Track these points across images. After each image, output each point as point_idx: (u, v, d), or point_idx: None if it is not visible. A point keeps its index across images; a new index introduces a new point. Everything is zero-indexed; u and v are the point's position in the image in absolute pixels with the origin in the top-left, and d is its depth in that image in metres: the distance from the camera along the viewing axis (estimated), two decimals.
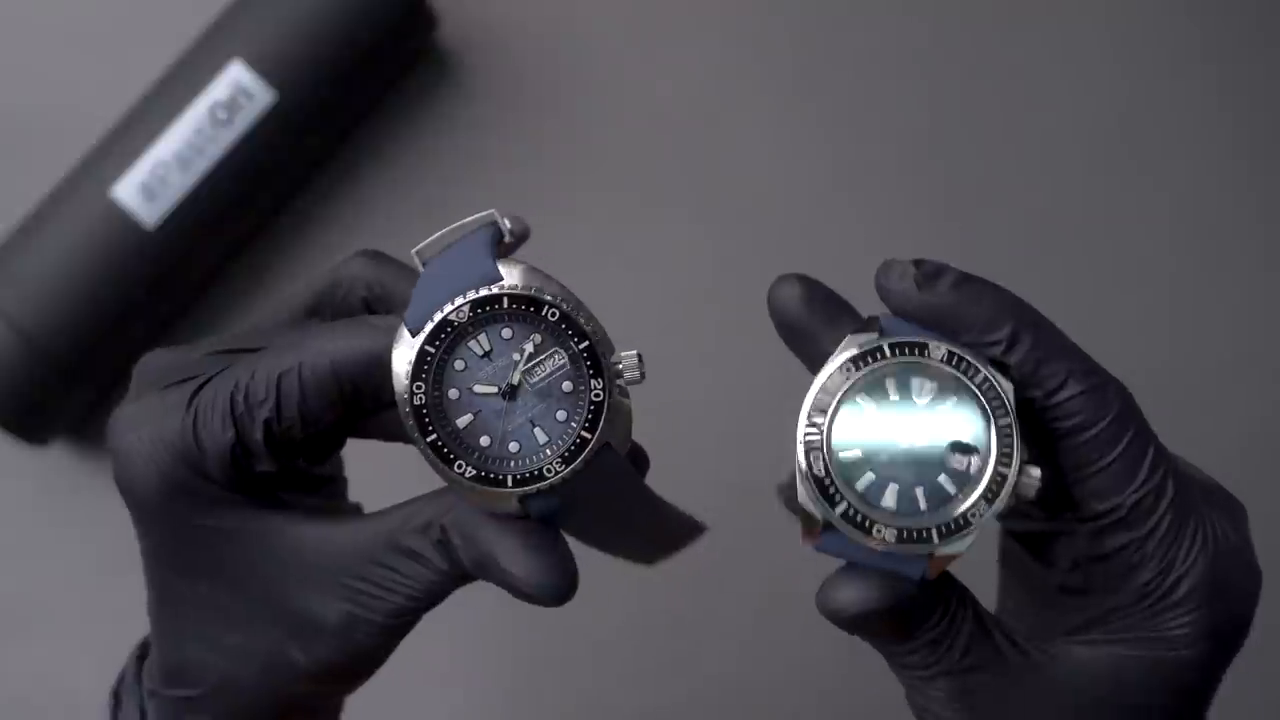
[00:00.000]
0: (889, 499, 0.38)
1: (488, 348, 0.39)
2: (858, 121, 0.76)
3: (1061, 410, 0.39)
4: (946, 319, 0.39)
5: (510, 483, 0.38)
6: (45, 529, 0.73)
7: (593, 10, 0.77)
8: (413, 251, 0.40)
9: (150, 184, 0.69)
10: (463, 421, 0.39)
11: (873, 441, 0.39)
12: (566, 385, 0.39)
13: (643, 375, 0.39)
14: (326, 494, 0.47)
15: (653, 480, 0.41)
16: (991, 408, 0.38)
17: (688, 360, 0.71)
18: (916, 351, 0.38)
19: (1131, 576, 0.40)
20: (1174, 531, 0.39)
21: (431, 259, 0.40)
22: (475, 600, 0.70)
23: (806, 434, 0.38)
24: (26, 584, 0.72)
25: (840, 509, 0.38)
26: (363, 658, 0.41)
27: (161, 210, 0.69)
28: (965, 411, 0.39)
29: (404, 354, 0.38)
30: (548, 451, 0.39)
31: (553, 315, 0.38)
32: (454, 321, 0.38)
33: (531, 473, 0.38)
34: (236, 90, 0.69)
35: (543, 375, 0.39)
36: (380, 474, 0.49)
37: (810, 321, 0.40)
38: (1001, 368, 0.39)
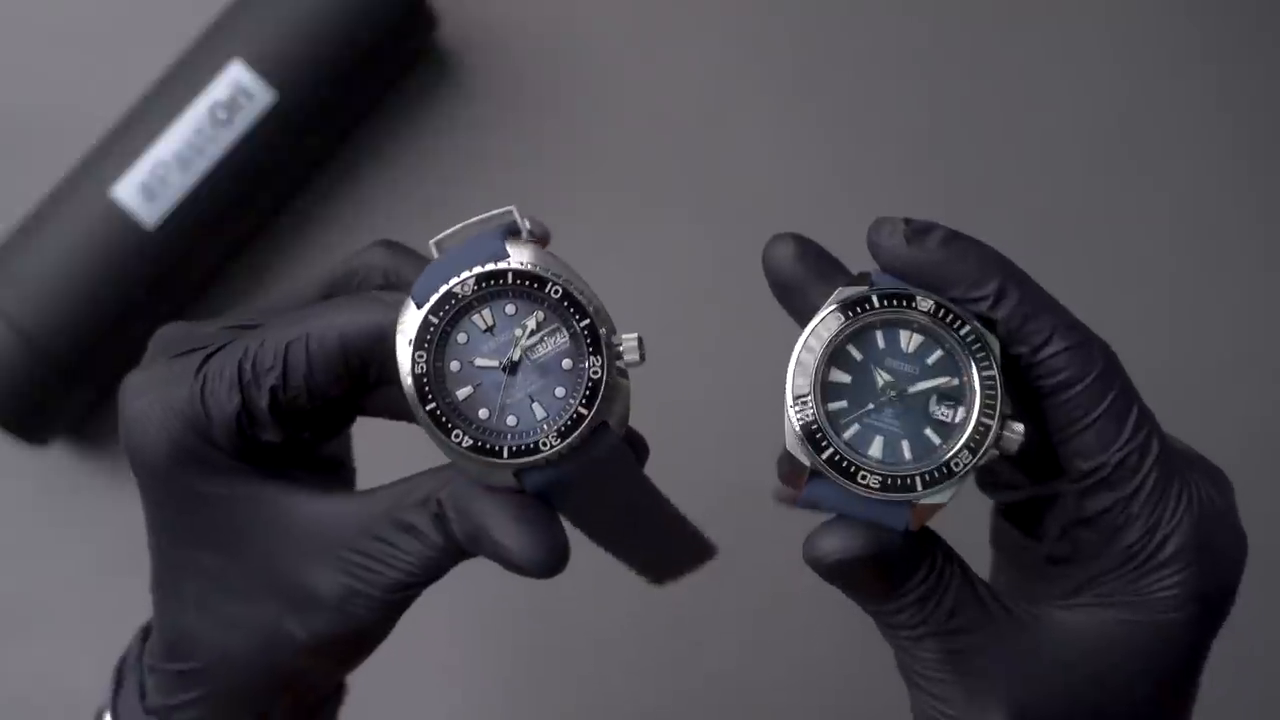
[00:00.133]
0: (875, 449, 0.39)
1: (491, 322, 0.39)
2: (858, 121, 0.76)
3: (1046, 367, 0.39)
4: (935, 274, 0.39)
5: (506, 454, 0.39)
6: (45, 529, 0.73)
7: (593, 10, 0.77)
8: (431, 242, 0.40)
9: (150, 184, 0.69)
10: (462, 393, 0.39)
11: (860, 391, 0.39)
12: (566, 362, 0.39)
13: (643, 357, 0.39)
14: (334, 480, 0.47)
15: (653, 479, 0.41)
16: (976, 359, 0.39)
17: (688, 360, 0.71)
18: (904, 303, 0.39)
19: (1117, 538, 0.40)
20: (1159, 491, 0.40)
21: (447, 248, 0.40)
22: (475, 600, 0.71)
23: (795, 382, 0.39)
24: (26, 584, 0.72)
25: (827, 454, 0.38)
26: (360, 633, 0.42)
27: (161, 210, 0.69)
28: (951, 363, 0.39)
29: (408, 325, 0.39)
30: (545, 426, 0.39)
31: (556, 293, 0.39)
32: (458, 294, 0.39)
33: (527, 445, 0.39)
34: (236, 90, 0.69)
35: (544, 352, 0.39)
36: (387, 463, 0.49)
37: (803, 278, 0.40)
38: (988, 323, 0.39)
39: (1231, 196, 0.76)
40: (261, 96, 0.69)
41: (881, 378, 0.39)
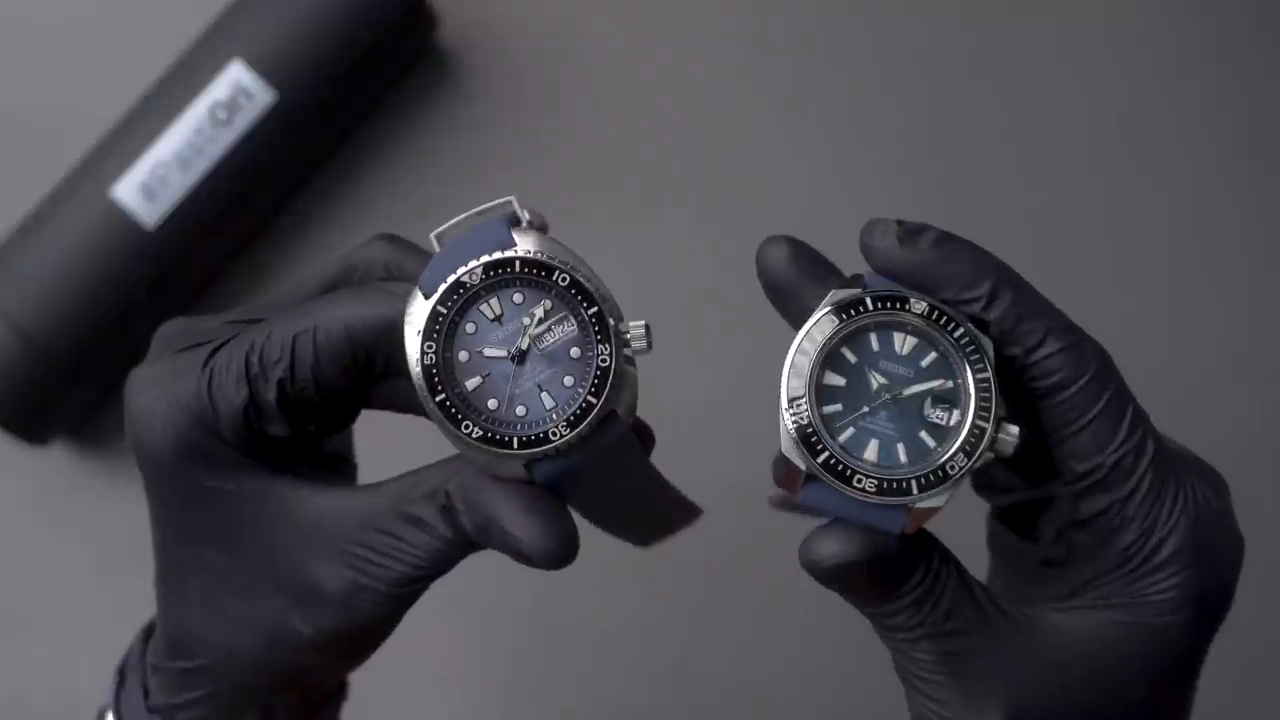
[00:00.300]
0: (870, 452, 0.39)
1: (499, 311, 0.39)
2: (858, 121, 0.76)
3: (1040, 369, 0.39)
4: (928, 276, 0.39)
5: (516, 444, 0.39)
6: (45, 529, 0.73)
7: (593, 10, 0.77)
8: (432, 235, 0.40)
9: (150, 184, 0.69)
10: (471, 384, 0.39)
11: (855, 394, 0.39)
12: (575, 351, 0.39)
13: (650, 345, 0.39)
14: (337, 475, 0.47)
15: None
16: (970, 361, 0.39)
17: (688, 360, 0.71)
18: (898, 305, 0.39)
19: (1113, 541, 0.40)
20: (1154, 492, 0.40)
21: (449, 240, 0.40)
22: (475, 600, 0.71)
23: (790, 385, 0.39)
24: (26, 584, 0.72)
25: (822, 458, 0.38)
26: (366, 629, 0.41)
27: (161, 210, 0.69)
28: (945, 365, 0.39)
29: (416, 315, 0.39)
30: (554, 416, 0.39)
31: (563, 281, 0.39)
32: (466, 283, 0.39)
33: (537, 435, 0.39)
34: (236, 90, 0.69)
35: (552, 341, 0.39)
36: (389, 459, 0.49)
37: (797, 280, 0.40)
38: (981, 325, 0.39)
39: (1231, 196, 0.76)
40: (261, 96, 0.69)
41: (876, 380, 0.39)
